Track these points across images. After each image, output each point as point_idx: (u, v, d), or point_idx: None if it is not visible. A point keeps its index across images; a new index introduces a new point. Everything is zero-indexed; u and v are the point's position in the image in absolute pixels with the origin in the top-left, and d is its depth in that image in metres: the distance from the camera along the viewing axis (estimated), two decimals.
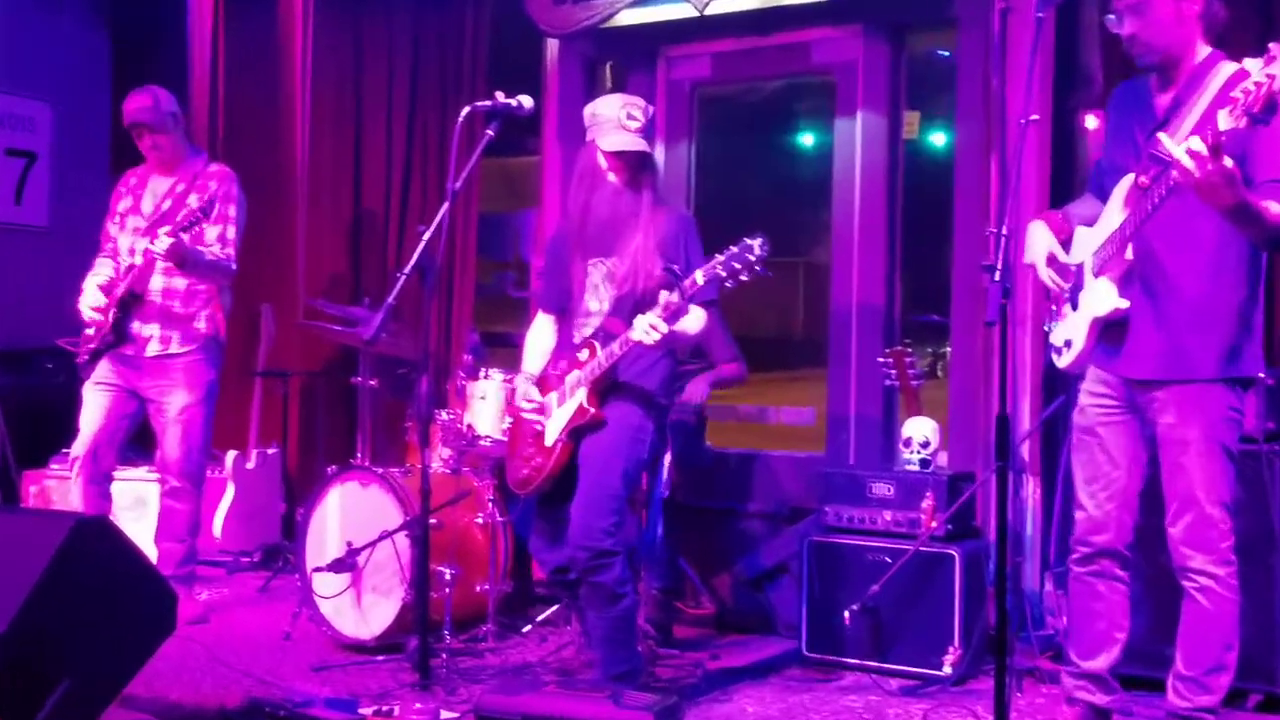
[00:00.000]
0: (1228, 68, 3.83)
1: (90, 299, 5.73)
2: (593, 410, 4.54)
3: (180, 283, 5.76)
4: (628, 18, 6.59)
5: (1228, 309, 3.87)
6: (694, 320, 4.44)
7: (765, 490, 6.27)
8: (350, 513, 5.60)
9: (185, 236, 5.46)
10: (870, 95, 6.22)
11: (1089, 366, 4.13)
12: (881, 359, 5.55)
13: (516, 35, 6.94)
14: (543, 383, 4.75)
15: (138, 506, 6.55)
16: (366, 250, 7.46)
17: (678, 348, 4.66)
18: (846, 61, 6.32)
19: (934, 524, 5.06)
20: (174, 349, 5.76)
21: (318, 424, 7.57)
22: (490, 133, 4.51)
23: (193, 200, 5.63)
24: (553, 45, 7.04)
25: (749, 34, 6.54)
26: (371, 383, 5.99)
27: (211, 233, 5.71)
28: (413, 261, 4.42)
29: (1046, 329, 4.28)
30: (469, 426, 5.65)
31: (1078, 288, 4.09)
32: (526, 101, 4.53)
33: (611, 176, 4.59)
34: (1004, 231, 3.64)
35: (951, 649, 5.02)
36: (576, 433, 4.60)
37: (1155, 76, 3.97)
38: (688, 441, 5.97)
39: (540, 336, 4.89)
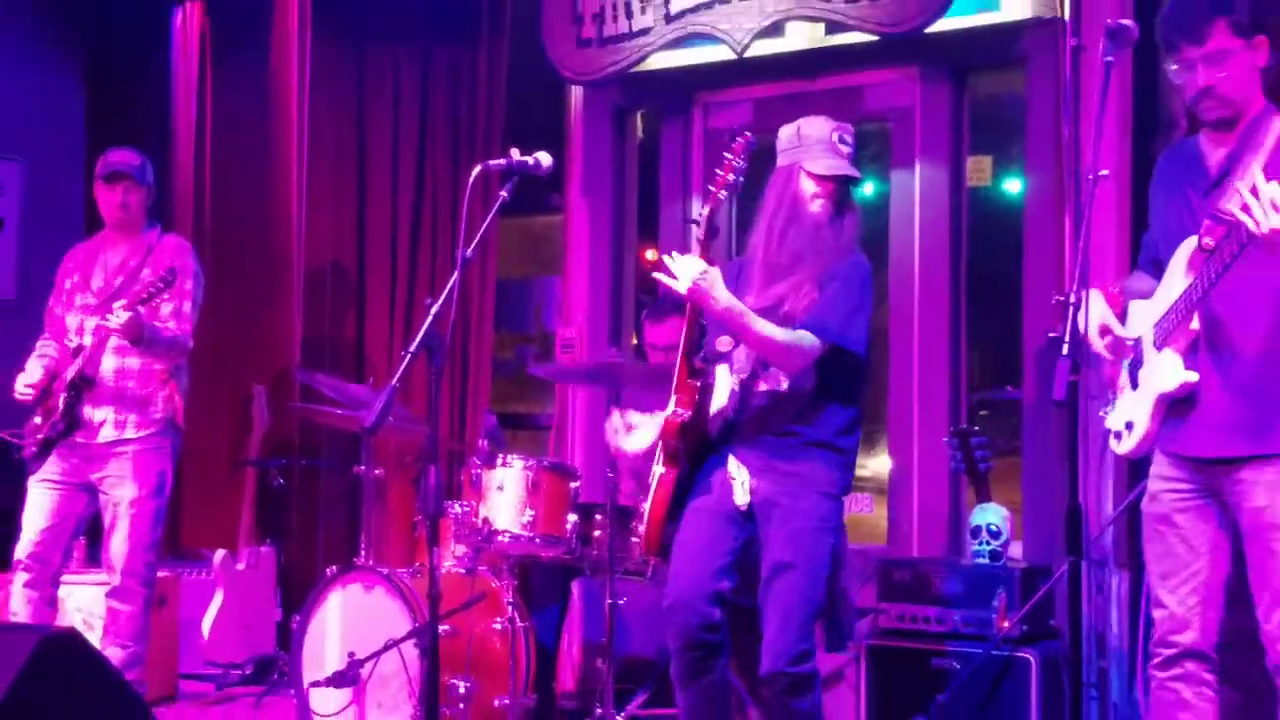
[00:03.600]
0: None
1: (26, 375, 5.96)
2: (685, 415, 4.60)
3: (134, 362, 5.98)
4: (659, 61, 6.74)
5: None
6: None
7: None
8: (352, 619, 5.72)
9: (142, 310, 5.71)
10: (929, 142, 6.39)
11: (1154, 450, 4.24)
12: (947, 439, 5.67)
13: (537, 82, 7.11)
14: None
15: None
16: (373, 322, 7.59)
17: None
18: (902, 106, 6.48)
19: (1006, 624, 5.17)
20: (129, 434, 5.97)
21: (317, 519, 7.63)
22: (504, 194, 4.60)
23: (146, 274, 5.92)
24: (577, 93, 7.23)
25: (794, 78, 6.67)
26: (376, 472, 6.14)
27: (166, 308, 5.92)
28: (418, 340, 4.41)
29: (1102, 414, 4.38)
30: (485, 520, 5.72)
31: (1137, 364, 4.22)
32: (545, 159, 4.59)
33: (816, 205, 4.69)
34: (1073, 299, 3.71)
35: None
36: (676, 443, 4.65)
37: (1208, 133, 4.15)
38: None
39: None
